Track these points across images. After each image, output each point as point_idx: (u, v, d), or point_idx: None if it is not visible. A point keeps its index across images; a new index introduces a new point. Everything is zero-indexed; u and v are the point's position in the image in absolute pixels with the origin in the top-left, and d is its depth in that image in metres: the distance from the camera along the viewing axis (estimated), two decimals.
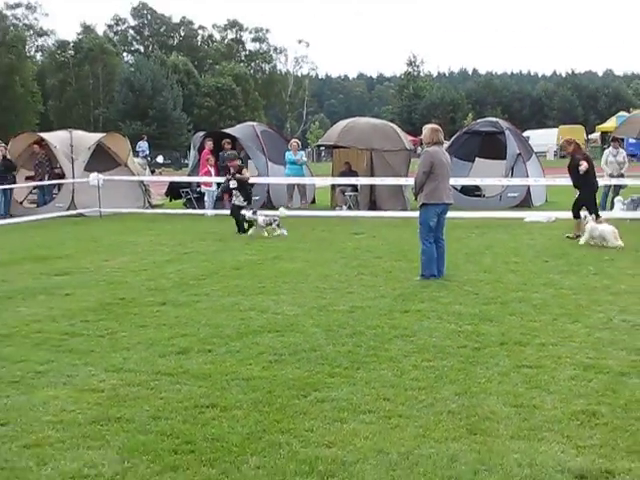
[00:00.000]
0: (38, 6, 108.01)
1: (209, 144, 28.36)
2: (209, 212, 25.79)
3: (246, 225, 20.68)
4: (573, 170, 18.77)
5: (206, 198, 27.41)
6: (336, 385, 7.83)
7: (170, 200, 30.08)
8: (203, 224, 22.14)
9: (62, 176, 27.48)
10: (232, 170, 21.45)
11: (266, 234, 19.78)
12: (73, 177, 26.97)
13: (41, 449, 6.41)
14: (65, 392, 7.85)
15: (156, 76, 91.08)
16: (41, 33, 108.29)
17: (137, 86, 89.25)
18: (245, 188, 21.48)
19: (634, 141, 53.89)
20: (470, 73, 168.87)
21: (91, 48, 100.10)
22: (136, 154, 34.49)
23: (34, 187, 28.87)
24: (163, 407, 7.32)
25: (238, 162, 21.83)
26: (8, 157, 27.71)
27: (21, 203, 28.42)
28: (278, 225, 19.93)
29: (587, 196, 18.74)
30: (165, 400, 7.53)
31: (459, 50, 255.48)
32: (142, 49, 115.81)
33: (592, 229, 17.34)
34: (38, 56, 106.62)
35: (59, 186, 27.89)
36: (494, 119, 32.00)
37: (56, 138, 28.51)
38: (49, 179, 28.04)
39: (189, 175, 30.08)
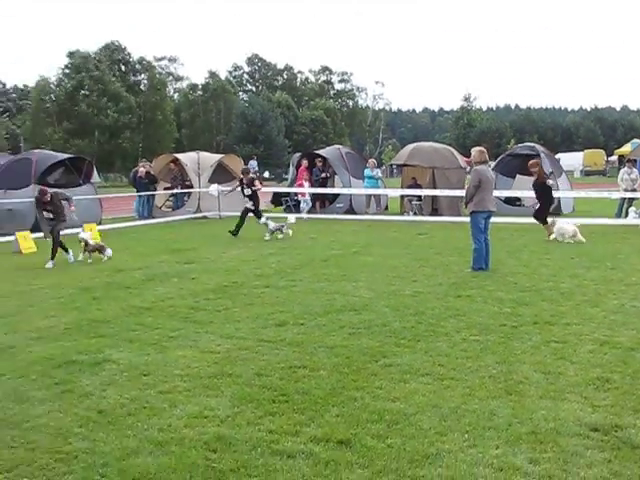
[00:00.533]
0: (177, 58, 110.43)
1: (305, 162, 28.44)
2: (304, 216, 25.81)
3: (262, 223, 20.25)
4: (539, 186, 19.06)
5: (302, 205, 27.48)
6: (401, 353, 7.79)
7: (274, 207, 30.20)
8: (299, 225, 22.16)
9: (191, 187, 27.79)
10: (245, 181, 20.80)
11: (269, 237, 19.50)
12: (199, 187, 27.28)
13: (172, 395, 6.53)
14: (191, 353, 7.97)
15: (264, 110, 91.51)
16: (178, 78, 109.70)
17: (249, 118, 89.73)
18: (256, 196, 20.92)
19: None
20: (513, 107, 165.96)
21: (215, 88, 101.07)
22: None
23: (170, 195, 29.25)
24: (265, 367, 7.37)
25: (251, 175, 21.37)
26: (152, 172, 28.15)
27: (160, 207, 28.76)
28: (280, 230, 19.53)
29: (547, 206, 19.17)
30: (266, 361, 7.58)
31: (504, 87, 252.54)
32: (254, 89, 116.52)
33: (560, 228, 17.84)
34: (175, 95, 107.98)
35: (189, 195, 28.20)
36: (532, 144, 31.49)
37: (187, 158, 28.82)
38: (181, 189, 28.41)
39: (288, 187, 30.20)
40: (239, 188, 21.16)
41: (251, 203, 20.64)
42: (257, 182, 21.67)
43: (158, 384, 6.86)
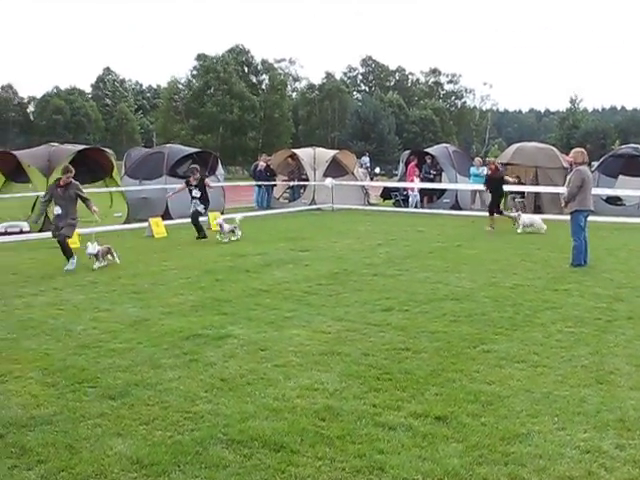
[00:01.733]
0: (296, 60, 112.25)
1: (414, 159, 28.48)
2: (412, 210, 25.82)
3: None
4: (494, 182, 20.68)
5: (410, 200, 27.54)
6: (498, 341, 7.85)
7: (383, 200, 30.32)
8: (407, 219, 22.27)
9: (307, 180, 28.24)
10: (193, 182, 18.16)
11: (226, 239, 17.14)
12: (315, 181, 27.70)
13: (286, 368, 6.84)
14: (304, 332, 8.26)
15: (377, 109, 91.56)
16: (296, 79, 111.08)
17: (363, 116, 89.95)
18: (206, 197, 18.33)
19: None
20: (618, 108, 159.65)
21: (330, 89, 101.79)
22: (360, 165, 34.83)
23: (287, 187, 29.79)
24: (371, 347, 7.59)
25: (198, 175, 18.21)
26: (271, 166, 28.76)
27: (278, 199, 29.37)
28: (233, 231, 17.37)
29: (498, 199, 20.83)
30: (373, 343, 7.79)
31: (611, 88, 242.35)
32: (367, 89, 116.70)
33: (524, 220, 19.20)
34: (294, 95, 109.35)
35: (305, 187, 28.65)
36: (635, 145, 30.39)
37: (304, 153, 29.29)
38: (298, 182, 28.89)
39: (398, 182, 30.29)
40: (196, 192, 18.28)
41: (202, 207, 18.23)
42: (208, 181, 19.27)
43: (274, 358, 7.19)
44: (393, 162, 77.36)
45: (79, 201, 13.39)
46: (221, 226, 17.09)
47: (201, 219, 18.33)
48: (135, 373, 6.70)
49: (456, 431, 5.29)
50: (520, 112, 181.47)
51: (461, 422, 5.46)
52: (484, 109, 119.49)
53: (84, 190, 13.74)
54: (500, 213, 20.43)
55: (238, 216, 18.51)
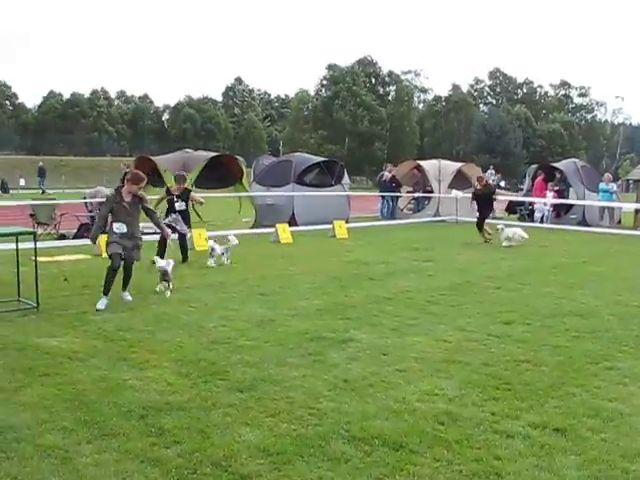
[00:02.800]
0: (422, 72, 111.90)
1: (541, 174, 27.97)
2: (537, 224, 25.27)
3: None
4: (484, 197, 20.48)
5: (536, 214, 27.05)
6: (622, 358, 7.68)
7: (508, 214, 29.88)
8: (532, 234, 21.82)
9: (432, 192, 28.22)
10: (176, 192, 14.89)
11: (214, 264, 14.01)
12: (439, 193, 27.64)
13: (407, 373, 6.98)
14: (425, 339, 8.36)
15: (503, 122, 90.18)
16: (423, 90, 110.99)
17: (489, 129, 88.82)
18: (188, 214, 15.25)
19: None
20: None
21: (457, 101, 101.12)
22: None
23: (412, 198, 29.84)
24: (491, 358, 7.61)
25: (183, 185, 15.07)
26: (396, 177, 28.90)
27: (402, 210, 29.47)
28: (225, 254, 14.26)
29: (486, 215, 20.58)
30: (493, 354, 7.80)
31: None
32: (494, 102, 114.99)
33: (507, 233, 18.87)
34: (420, 106, 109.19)
35: (429, 199, 28.62)
36: None
37: (429, 165, 29.27)
38: (422, 193, 28.90)
39: (523, 196, 29.75)
40: (180, 204, 14.93)
41: (186, 227, 14.94)
42: (195, 195, 15.97)
43: (395, 363, 7.34)
44: (519, 176, 75.95)
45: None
46: (213, 249, 14.14)
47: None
48: (262, 369, 7.02)
49: (575, 444, 5.28)
50: None
51: (580, 436, 5.44)
52: (616, 123, 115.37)
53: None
54: (480, 229, 20.23)
55: (231, 237, 14.88)
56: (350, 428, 5.47)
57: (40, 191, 46.32)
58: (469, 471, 4.77)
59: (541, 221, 26.52)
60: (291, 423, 5.57)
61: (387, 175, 28.80)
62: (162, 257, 12.22)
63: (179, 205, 14.81)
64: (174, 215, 14.69)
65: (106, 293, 10.03)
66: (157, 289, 11.11)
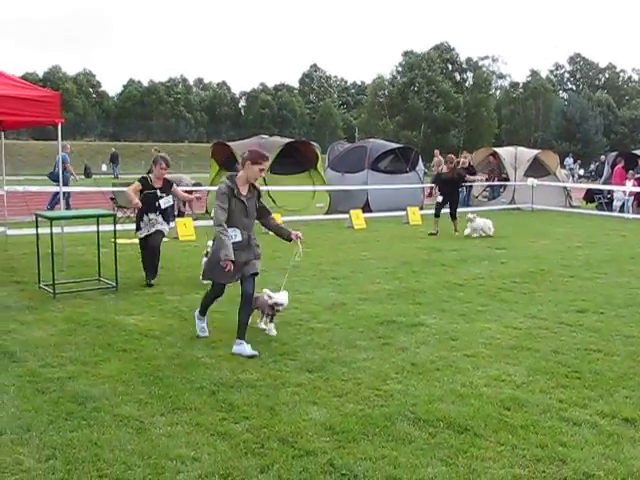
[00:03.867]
0: (499, 57, 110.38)
1: (621, 162, 27.21)
2: (616, 214, 24.65)
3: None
4: (451, 182, 18.35)
5: (615, 203, 26.34)
6: None
7: (586, 203, 29.18)
8: (611, 223, 21.34)
9: (507, 179, 27.81)
10: (157, 184, 10.93)
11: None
12: (515, 180, 27.22)
13: (476, 359, 6.98)
14: (495, 326, 8.33)
15: (584, 109, 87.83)
16: (500, 76, 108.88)
17: (568, 116, 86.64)
18: (171, 211, 11.94)
19: None
20: None
21: (535, 87, 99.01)
22: (563, 167, 33.66)
23: (487, 186, 29.47)
24: (561, 346, 7.53)
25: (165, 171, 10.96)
26: (472, 163, 28.58)
27: (477, 197, 29.14)
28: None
29: (457, 201, 18.77)
30: (563, 342, 7.72)
31: None
32: (574, 88, 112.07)
33: (476, 224, 17.47)
34: (497, 93, 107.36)
35: (505, 186, 28.21)
36: None
37: (505, 152, 28.82)
38: (498, 181, 28.52)
39: (602, 184, 29.01)
40: (165, 201, 11.08)
41: (166, 227, 11.09)
42: (177, 189, 11.55)
43: (464, 348, 7.35)
44: (599, 164, 74.14)
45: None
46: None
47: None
48: (332, 351, 7.13)
49: None
50: None
51: None
52: None
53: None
54: (437, 215, 18.34)
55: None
56: (415, 410, 5.52)
57: (112, 176, 47.47)
58: (533, 456, 4.77)
59: (621, 210, 25.80)
60: (357, 403, 5.65)
61: (463, 162, 28.44)
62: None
63: (165, 202, 10.95)
64: (153, 215, 10.84)
65: (203, 314, 7.85)
66: (262, 326, 8.07)
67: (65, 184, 19.12)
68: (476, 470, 4.56)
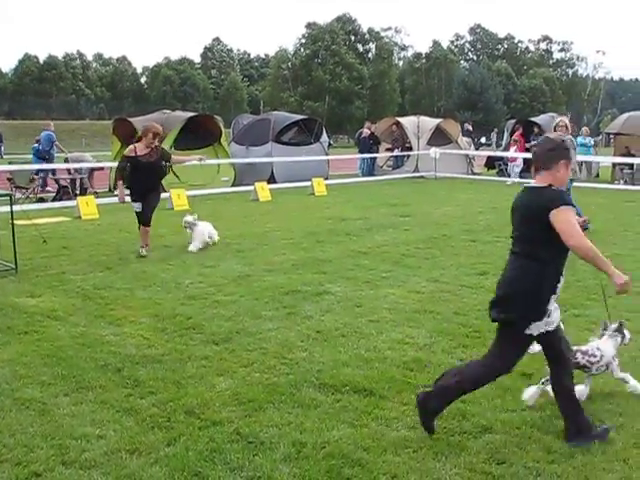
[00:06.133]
0: (402, 29, 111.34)
1: (519, 129, 28.00)
2: (509, 180, 25.26)
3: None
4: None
5: (508, 169, 27.11)
6: (590, 306, 7.85)
7: (487, 170, 29.95)
8: (510, 188, 21.95)
9: (410, 148, 28.22)
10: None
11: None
12: (418, 149, 27.67)
13: (379, 324, 7.14)
14: (398, 291, 8.51)
15: (484, 78, 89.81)
16: (403, 47, 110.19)
17: (470, 85, 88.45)
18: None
19: None
20: None
21: (437, 57, 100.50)
22: (463, 134, 34.28)
23: (391, 155, 29.82)
24: (462, 307, 7.78)
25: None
26: (375, 133, 28.86)
27: (382, 167, 29.44)
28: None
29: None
30: (465, 303, 7.97)
31: None
32: (475, 58, 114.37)
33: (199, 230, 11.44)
34: (400, 64, 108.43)
35: (408, 156, 28.63)
36: None
37: (408, 121, 29.21)
38: (401, 151, 28.90)
39: (502, 152, 29.81)
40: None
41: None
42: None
43: (368, 314, 7.49)
44: (500, 132, 76.02)
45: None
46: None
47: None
48: (237, 322, 7.15)
49: (536, 384, 5.43)
50: (637, 80, 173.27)
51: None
52: (597, 78, 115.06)
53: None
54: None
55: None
56: (321, 376, 5.61)
57: None
58: None
59: (520, 176, 26.55)
60: (263, 373, 5.71)
61: (366, 132, 28.74)
62: None
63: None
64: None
65: None
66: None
67: None
68: (380, 431, 4.69)
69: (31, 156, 21.94)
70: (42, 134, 21.52)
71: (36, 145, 21.47)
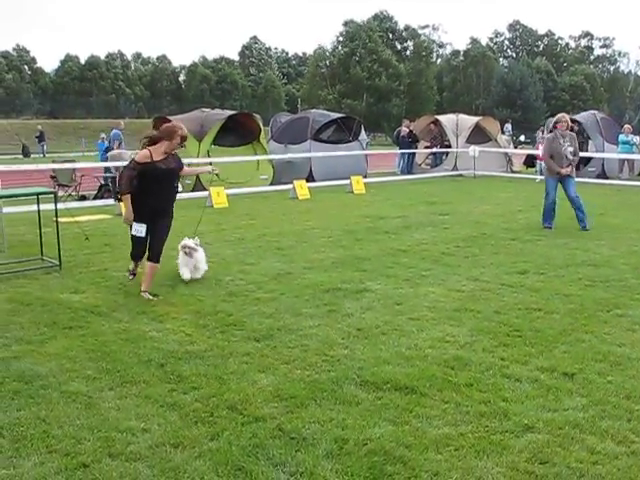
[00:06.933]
0: (440, 26, 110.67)
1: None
2: (538, 178, 24.95)
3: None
4: None
5: (537, 167, 26.81)
6: (634, 306, 7.76)
7: (526, 168, 29.70)
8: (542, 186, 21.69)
9: (449, 146, 28.10)
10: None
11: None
12: (457, 147, 27.53)
13: (420, 322, 7.13)
14: (439, 290, 8.50)
15: (524, 75, 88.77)
16: (441, 45, 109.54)
17: (508, 83, 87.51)
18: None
19: None
20: None
21: (476, 55, 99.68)
22: (503, 133, 34.04)
23: (430, 153, 29.71)
24: (503, 306, 7.73)
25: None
26: (413, 131, 28.78)
27: (420, 165, 29.36)
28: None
29: None
30: (505, 302, 7.93)
31: None
32: (514, 55, 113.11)
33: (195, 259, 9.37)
34: (438, 61, 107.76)
35: (447, 153, 28.49)
36: None
37: (447, 119, 29.07)
38: (440, 148, 28.78)
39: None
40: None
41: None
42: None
43: (408, 312, 7.49)
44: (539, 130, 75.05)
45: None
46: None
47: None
48: (278, 320, 7.20)
49: (581, 387, 5.40)
50: None
51: (587, 379, 5.56)
52: (639, 74, 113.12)
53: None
54: None
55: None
56: (362, 374, 5.63)
57: (40, 156, 46.37)
58: (476, 412, 4.92)
59: None
60: (305, 369, 5.74)
61: (404, 130, 28.69)
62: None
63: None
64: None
65: None
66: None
67: None
68: (422, 428, 4.69)
69: (97, 153, 22.66)
70: (112, 132, 22.41)
71: (101, 142, 22.14)
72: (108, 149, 22.74)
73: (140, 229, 8.30)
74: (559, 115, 13.98)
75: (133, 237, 8.51)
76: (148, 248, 8.49)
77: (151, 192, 8.13)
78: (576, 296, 8.19)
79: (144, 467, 4.18)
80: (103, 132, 22.38)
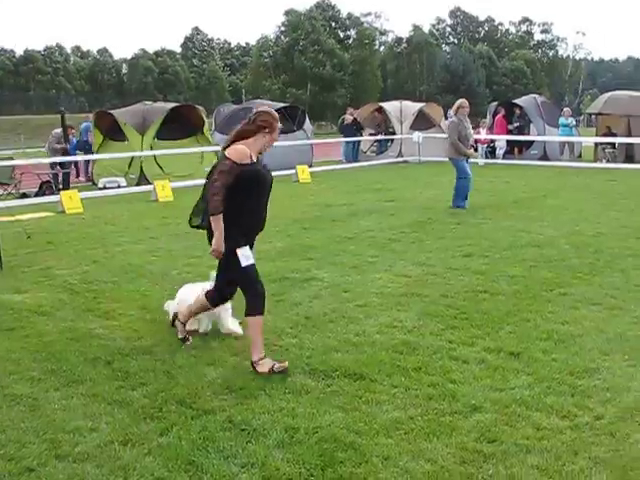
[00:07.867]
0: (382, 14, 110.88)
1: (501, 111, 28.04)
2: (481, 161, 25.15)
3: None
4: None
5: (497, 152, 27.15)
6: (576, 285, 7.94)
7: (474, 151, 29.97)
8: (494, 170, 22.01)
9: (394, 133, 28.23)
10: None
11: None
12: (401, 134, 27.69)
13: (368, 308, 7.17)
14: (386, 275, 8.55)
15: (466, 61, 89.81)
16: (383, 32, 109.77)
17: (451, 69, 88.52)
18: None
19: None
20: None
21: (419, 42, 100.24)
22: (446, 118, 34.29)
23: (374, 141, 29.81)
24: (450, 290, 7.82)
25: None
26: (357, 119, 28.84)
27: (365, 152, 29.44)
28: None
29: None
30: (452, 286, 8.02)
31: None
32: (456, 41, 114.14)
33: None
34: (381, 49, 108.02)
35: (392, 140, 28.64)
36: None
37: (390, 106, 29.20)
38: (384, 135, 28.90)
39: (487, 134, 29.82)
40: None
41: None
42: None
43: (356, 299, 7.52)
44: (482, 115, 75.93)
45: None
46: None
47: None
48: None
49: (527, 365, 5.50)
50: (616, 61, 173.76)
51: (532, 357, 5.66)
52: (577, 59, 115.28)
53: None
54: None
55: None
56: (311, 362, 5.64)
57: None
58: (425, 395, 4.97)
59: (503, 157, 26.66)
60: None
61: (348, 118, 28.71)
62: None
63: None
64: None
65: None
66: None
67: None
68: (371, 413, 4.72)
69: (36, 150, 22.38)
70: (81, 125, 22.14)
71: (72, 137, 21.76)
72: (80, 142, 22.57)
73: (249, 254, 5.86)
74: (461, 100, 14.44)
75: (246, 271, 5.79)
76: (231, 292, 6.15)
77: (250, 207, 5.78)
78: (520, 277, 8.32)
79: (92, 467, 4.12)
80: (57, 129, 21.43)
